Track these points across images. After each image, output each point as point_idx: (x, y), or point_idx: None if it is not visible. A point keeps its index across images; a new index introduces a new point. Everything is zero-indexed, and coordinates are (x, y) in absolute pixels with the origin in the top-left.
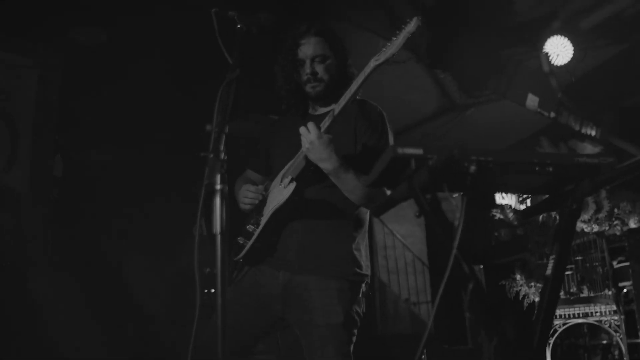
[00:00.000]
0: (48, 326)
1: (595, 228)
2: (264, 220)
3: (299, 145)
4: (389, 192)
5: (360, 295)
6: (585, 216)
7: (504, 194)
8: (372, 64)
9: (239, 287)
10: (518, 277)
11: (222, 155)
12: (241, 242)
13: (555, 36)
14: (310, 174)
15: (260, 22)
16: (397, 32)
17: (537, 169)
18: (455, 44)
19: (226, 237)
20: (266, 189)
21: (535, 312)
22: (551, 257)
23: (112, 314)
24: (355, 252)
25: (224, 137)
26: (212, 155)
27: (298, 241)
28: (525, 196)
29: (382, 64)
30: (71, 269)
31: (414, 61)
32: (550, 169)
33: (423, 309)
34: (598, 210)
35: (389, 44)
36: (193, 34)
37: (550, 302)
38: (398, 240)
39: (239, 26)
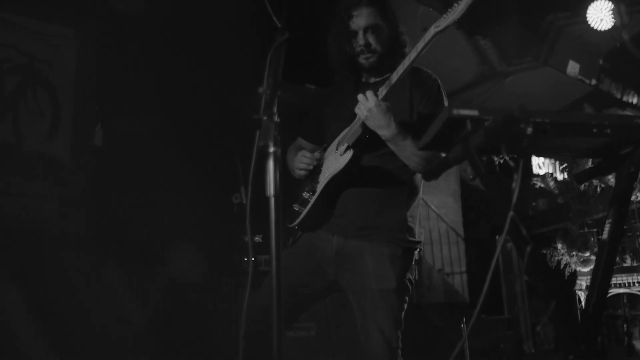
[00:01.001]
0: (85, 301)
1: None
2: (319, 187)
3: (352, 114)
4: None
5: (412, 263)
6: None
7: (541, 163)
8: (433, 30)
9: (294, 250)
10: (559, 246)
11: (276, 118)
12: (296, 209)
13: (598, 0)
14: (366, 142)
15: None
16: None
17: (595, 130)
18: (496, 10)
19: (279, 200)
20: (320, 157)
21: (591, 277)
22: (607, 221)
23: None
24: (410, 219)
25: (276, 99)
26: (265, 117)
27: (353, 208)
28: (565, 165)
29: (443, 31)
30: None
31: (454, 27)
32: (609, 131)
33: (457, 279)
34: None
35: (450, 10)
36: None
37: (606, 267)
38: (432, 211)
39: None
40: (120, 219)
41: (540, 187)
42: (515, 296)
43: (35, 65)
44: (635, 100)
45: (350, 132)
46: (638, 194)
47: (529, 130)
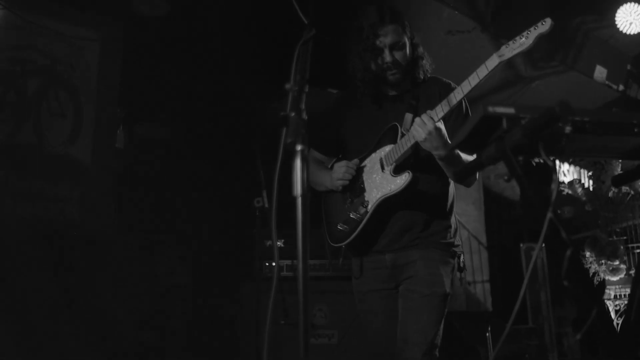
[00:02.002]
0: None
1: None
2: (370, 207)
3: (381, 128)
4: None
5: (456, 269)
6: None
7: (566, 171)
8: (496, 59)
9: (360, 294)
10: (588, 254)
11: (304, 115)
12: (341, 228)
13: (628, 3)
14: (411, 160)
15: None
16: (528, 30)
17: (636, 130)
18: (521, 13)
19: (307, 200)
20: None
21: (632, 285)
22: None
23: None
24: (452, 225)
25: (304, 96)
26: (293, 114)
27: (403, 224)
28: (591, 172)
29: (505, 61)
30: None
31: (479, 30)
32: None
33: (479, 288)
34: None
35: (516, 39)
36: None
37: None
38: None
39: None
40: (143, 222)
41: (567, 193)
42: (540, 305)
43: (57, 67)
44: None
45: (399, 152)
46: None
47: (568, 129)
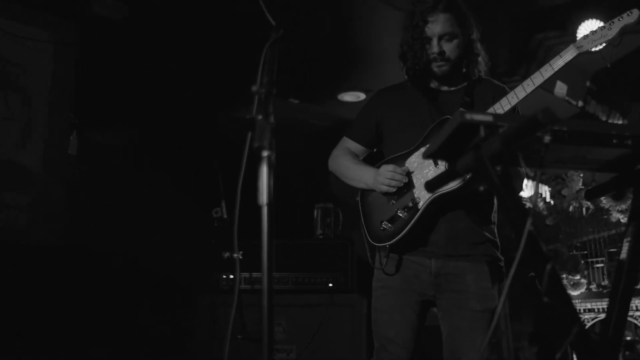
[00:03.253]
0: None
1: None
2: (422, 205)
3: (429, 123)
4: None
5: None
6: (623, 206)
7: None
8: (574, 51)
9: (393, 292)
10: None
11: (272, 119)
12: (386, 227)
13: (590, 20)
14: None
15: None
16: (611, 21)
17: (615, 141)
18: (485, 27)
19: (273, 209)
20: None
21: (609, 300)
22: (626, 240)
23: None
24: (496, 234)
25: (272, 99)
26: (260, 117)
27: (450, 227)
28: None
29: (584, 53)
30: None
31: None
32: (630, 142)
33: None
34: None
35: (596, 30)
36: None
37: (626, 289)
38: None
39: None
40: (95, 232)
41: (528, 207)
42: (498, 319)
43: (6, 68)
44: (620, 123)
45: None
46: None
47: (547, 138)
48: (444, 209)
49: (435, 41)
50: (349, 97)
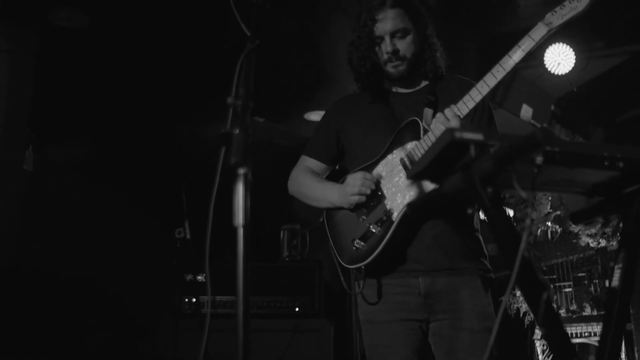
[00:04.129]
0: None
1: (603, 243)
2: (397, 216)
3: (393, 128)
4: None
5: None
6: (592, 230)
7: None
8: (544, 29)
9: (382, 328)
10: (518, 293)
11: (249, 133)
12: (359, 246)
13: (556, 44)
14: None
15: None
16: None
17: (606, 163)
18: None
19: (249, 231)
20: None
21: (602, 328)
22: (617, 266)
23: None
24: (482, 241)
25: (249, 111)
26: (237, 131)
27: (432, 238)
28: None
29: (555, 29)
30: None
31: None
32: (621, 164)
33: None
34: (605, 224)
35: (565, 4)
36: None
37: (619, 317)
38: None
39: None
40: (50, 252)
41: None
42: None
43: None
44: None
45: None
46: (601, 240)
47: (539, 159)
48: (422, 217)
49: (387, 39)
50: (315, 116)
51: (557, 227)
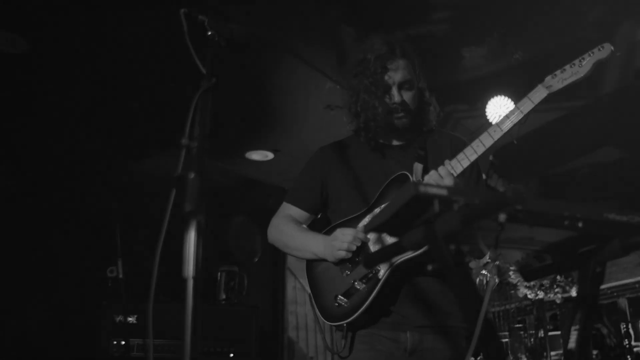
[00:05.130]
0: None
1: (541, 295)
2: (384, 274)
3: (382, 180)
4: None
5: None
6: (531, 282)
7: None
8: (544, 91)
9: None
10: None
11: (204, 178)
12: (342, 302)
13: (498, 96)
14: None
15: (231, 34)
16: (582, 57)
17: (566, 222)
18: None
19: (200, 283)
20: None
21: None
22: (573, 327)
23: None
24: None
25: (205, 154)
26: (193, 175)
27: (421, 295)
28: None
29: (555, 93)
30: None
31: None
32: (580, 224)
33: None
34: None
35: (566, 68)
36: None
37: None
38: (308, 294)
39: (209, 33)
40: None
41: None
42: None
43: None
44: None
45: None
46: (539, 292)
47: (502, 217)
48: (409, 274)
49: (395, 90)
50: (257, 155)
51: (496, 277)
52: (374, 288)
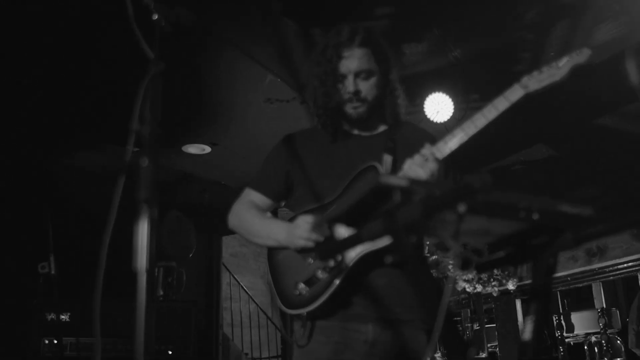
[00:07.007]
0: None
1: (479, 288)
2: (347, 264)
3: (348, 171)
4: None
5: None
6: (470, 275)
7: None
8: (520, 91)
9: None
10: None
11: (158, 165)
12: (303, 291)
13: (435, 93)
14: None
15: (177, 18)
16: (559, 59)
17: (521, 214)
18: None
19: (152, 277)
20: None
21: None
22: (528, 317)
23: None
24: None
25: (159, 140)
26: (147, 163)
27: (384, 288)
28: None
29: (532, 93)
30: None
31: (298, 102)
32: (536, 217)
33: None
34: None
35: (543, 70)
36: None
37: None
38: (243, 291)
39: (155, 17)
40: None
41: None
42: None
43: None
44: None
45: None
46: (477, 286)
47: (462, 208)
48: (373, 266)
49: (350, 79)
50: (194, 149)
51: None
52: (336, 278)
